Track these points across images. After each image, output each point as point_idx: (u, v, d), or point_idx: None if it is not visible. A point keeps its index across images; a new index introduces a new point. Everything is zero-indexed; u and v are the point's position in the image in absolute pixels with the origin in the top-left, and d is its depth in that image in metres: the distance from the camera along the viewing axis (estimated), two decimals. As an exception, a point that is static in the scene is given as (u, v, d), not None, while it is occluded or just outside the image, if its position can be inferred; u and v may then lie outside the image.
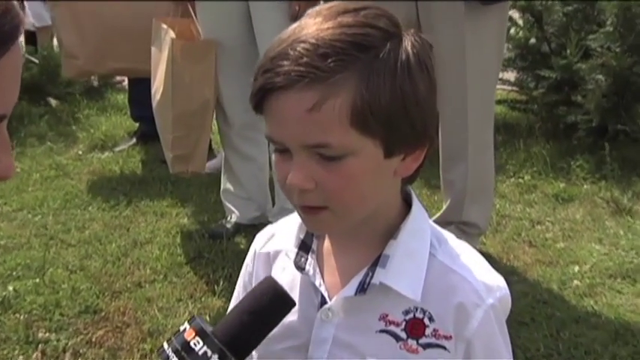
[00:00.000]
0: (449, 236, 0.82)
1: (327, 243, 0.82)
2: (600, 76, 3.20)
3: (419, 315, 0.77)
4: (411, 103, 0.71)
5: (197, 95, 2.47)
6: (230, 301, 2.37)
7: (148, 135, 3.54)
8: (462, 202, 2.33)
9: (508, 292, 0.80)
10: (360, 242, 0.79)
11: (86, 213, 2.85)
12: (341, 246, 0.81)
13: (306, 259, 0.81)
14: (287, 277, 0.82)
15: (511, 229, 2.68)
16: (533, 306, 2.13)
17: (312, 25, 0.71)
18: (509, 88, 3.73)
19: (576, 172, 3.10)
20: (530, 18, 3.57)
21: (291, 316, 0.80)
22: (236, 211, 2.66)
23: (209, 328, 0.70)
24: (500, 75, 3.49)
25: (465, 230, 2.33)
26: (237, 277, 2.71)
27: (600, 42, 3.23)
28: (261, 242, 0.89)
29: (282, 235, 0.85)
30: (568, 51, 3.33)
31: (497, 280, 0.79)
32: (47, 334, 2.08)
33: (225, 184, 2.71)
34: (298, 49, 0.69)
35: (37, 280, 2.33)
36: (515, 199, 2.93)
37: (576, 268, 2.37)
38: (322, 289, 0.80)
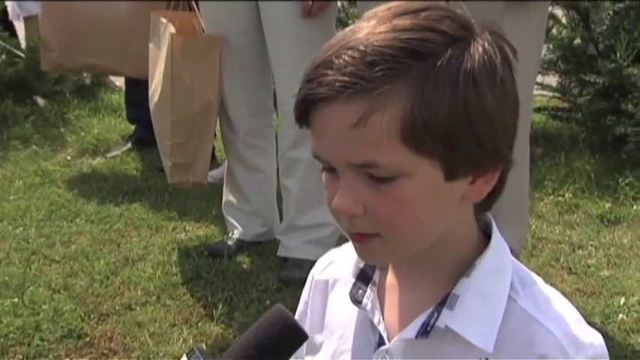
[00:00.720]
0: (537, 279, 0.78)
1: (391, 276, 0.80)
2: (654, 83, 3.18)
3: None
4: (477, 117, 0.69)
5: (199, 97, 2.49)
6: (230, 327, 2.35)
7: (144, 140, 3.58)
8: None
9: (605, 352, 0.76)
10: (427, 277, 0.77)
11: (73, 225, 2.88)
12: (406, 280, 0.79)
13: (364, 292, 0.79)
14: (344, 309, 0.81)
15: (548, 254, 2.66)
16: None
17: (364, 29, 0.70)
18: (550, 94, 3.72)
19: (625, 191, 3.08)
20: (575, 16, 3.57)
21: (345, 356, 0.80)
22: (239, 227, 2.68)
23: None
24: (541, 79, 3.49)
25: (497, 254, 2.32)
26: (239, 300, 2.70)
27: (654, 44, 3.21)
28: (320, 268, 0.88)
29: (341, 261, 0.83)
30: (617, 53, 3.31)
31: (592, 337, 0.75)
32: (25, 361, 2.10)
33: (228, 197, 2.72)
34: (344, 56, 0.68)
35: (16, 299, 2.35)
36: (554, 220, 2.91)
37: (622, 300, 2.34)
38: (381, 327, 0.78)
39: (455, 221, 0.75)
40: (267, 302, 2.33)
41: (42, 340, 2.18)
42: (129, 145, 3.63)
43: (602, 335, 2.30)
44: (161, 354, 2.12)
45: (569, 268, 2.57)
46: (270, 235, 2.70)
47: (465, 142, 0.69)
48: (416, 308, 0.76)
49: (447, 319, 0.74)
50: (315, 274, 0.88)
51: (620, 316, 2.27)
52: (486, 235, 0.78)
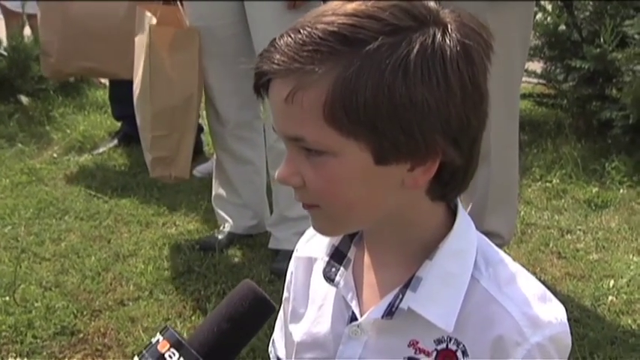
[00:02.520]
0: (504, 257, 0.81)
1: (367, 254, 0.84)
2: (638, 67, 3.21)
3: (452, 346, 0.77)
4: (403, 107, 0.70)
5: (179, 89, 2.48)
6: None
7: (131, 136, 3.58)
8: (483, 209, 2.34)
9: (566, 329, 0.78)
10: (397, 258, 0.81)
11: (62, 223, 2.87)
12: (379, 259, 0.83)
13: (338, 270, 0.84)
14: (323, 285, 0.85)
15: (538, 239, 2.69)
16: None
17: (318, 12, 0.74)
18: (536, 80, 3.75)
19: (611, 175, 3.12)
20: (559, 2, 3.59)
21: (321, 327, 0.85)
22: (230, 220, 2.68)
23: (184, 339, 0.72)
24: (526, 66, 3.51)
25: (487, 241, 2.34)
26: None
27: (638, 28, 3.24)
28: (303, 241, 0.93)
29: (321, 239, 0.87)
30: (602, 39, 3.34)
31: (552, 314, 0.77)
32: (18, 359, 2.10)
33: (218, 190, 2.73)
34: (285, 37, 0.73)
35: (7, 298, 2.35)
36: (543, 206, 2.94)
37: (611, 283, 2.38)
38: (353, 304, 0.82)
39: (403, 205, 0.77)
40: (260, 294, 2.34)
41: (35, 337, 2.18)
42: (115, 141, 3.62)
43: (593, 317, 2.32)
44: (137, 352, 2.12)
45: (559, 253, 2.60)
46: (261, 228, 2.71)
47: (390, 129, 0.71)
48: (387, 287, 0.81)
49: (409, 301, 0.77)
50: (299, 248, 0.93)
51: (610, 298, 2.30)
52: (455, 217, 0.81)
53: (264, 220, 2.70)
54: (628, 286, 2.37)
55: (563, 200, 2.98)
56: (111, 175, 3.32)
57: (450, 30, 0.72)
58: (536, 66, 3.70)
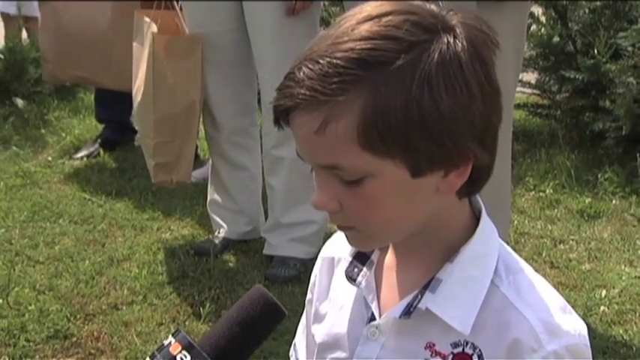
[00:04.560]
0: (524, 267, 0.81)
1: (390, 256, 0.85)
2: (631, 79, 3.24)
3: (468, 350, 0.78)
4: (433, 119, 0.71)
5: (181, 96, 2.50)
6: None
7: (113, 141, 3.59)
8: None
9: (586, 342, 0.78)
10: (420, 260, 0.82)
11: (56, 226, 2.87)
12: (402, 261, 0.84)
13: (360, 270, 0.85)
14: (346, 284, 0.86)
15: (530, 249, 2.70)
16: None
17: (329, 38, 0.73)
18: (530, 91, 3.77)
19: (604, 186, 3.14)
20: (553, 14, 3.62)
21: (341, 328, 0.85)
22: (224, 226, 2.69)
23: (196, 341, 0.73)
24: (521, 76, 3.54)
25: (480, 249, 2.35)
26: (225, 298, 2.72)
27: (632, 41, 3.27)
28: (329, 244, 0.94)
29: (344, 239, 0.87)
30: (596, 50, 3.37)
31: (571, 325, 0.77)
32: (11, 362, 2.10)
33: (213, 195, 2.73)
34: (304, 69, 0.72)
35: (0, 301, 2.34)
36: (536, 215, 2.96)
37: (603, 293, 2.39)
38: (373, 305, 0.83)
39: (436, 209, 0.79)
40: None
41: (28, 341, 2.18)
42: (97, 145, 3.60)
43: (585, 327, 2.30)
44: (149, 353, 2.12)
45: (552, 262, 2.61)
46: (255, 234, 2.71)
47: (423, 144, 0.72)
48: (407, 289, 0.82)
49: (428, 301, 0.78)
50: (325, 247, 0.94)
51: (602, 308, 2.32)
52: (479, 221, 0.81)
53: (259, 226, 2.71)
54: (620, 296, 2.38)
55: (556, 210, 3.00)
56: (106, 179, 3.32)
57: (458, 33, 0.74)
58: (531, 77, 3.72)
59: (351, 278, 0.85)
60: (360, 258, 0.85)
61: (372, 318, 0.83)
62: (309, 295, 0.94)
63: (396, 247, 0.84)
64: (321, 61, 0.72)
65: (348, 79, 0.71)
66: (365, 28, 0.72)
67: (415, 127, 0.71)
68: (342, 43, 0.72)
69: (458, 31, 0.74)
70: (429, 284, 0.79)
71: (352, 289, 0.86)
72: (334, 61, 0.71)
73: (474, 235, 0.80)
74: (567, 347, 0.76)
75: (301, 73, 0.72)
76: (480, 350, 0.78)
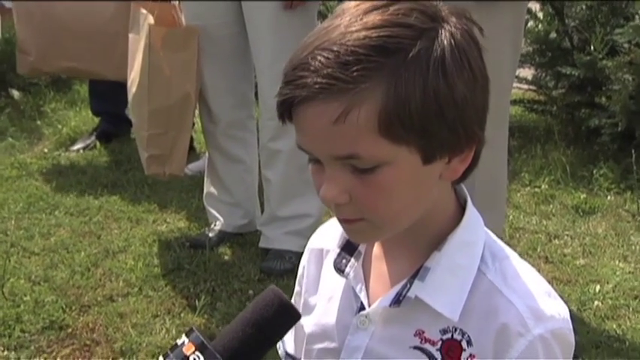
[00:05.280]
0: (510, 254, 0.83)
1: (377, 246, 0.86)
2: (627, 76, 3.24)
3: (457, 336, 0.79)
4: (448, 105, 0.73)
5: (176, 88, 2.49)
6: (212, 317, 2.37)
7: (109, 133, 3.58)
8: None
9: (569, 325, 0.80)
10: (408, 249, 0.82)
11: (52, 218, 2.87)
12: (390, 251, 0.84)
13: (348, 261, 0.85)
14: (334, 275, 0.87)
15: (525, 244, 2.71)
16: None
17: (337, 29, 0.73)
18: (526, 87, 3.77)
19: (599, 182, 3.14)
20: (550, 10, 3.62)
21: (330, 318, 0.86)
22: (220, 218, 2.69)
23: (209, 342, 0.73)
24: (517, 72, 3.54)
25: (475, 243, 2.36)
26: (221, 291, 2.71)
27: (628, 37, 3.27)
28: (317, 235, 0.94)
29: (334, 231, 0.88)
30: (592, 47, 3.37)
31: (555, 310, 0.79)
32: (6, 353, 2.09)
33: (209, 188, 2.73)
34: (319, 58, 0.71)
35: (-4, 291, 2.35)
36: (531, 211, 2.97)
37: (597, 288, 2.40)
38: (362, 295, 0.84)
39: (434, 198, 0.80)
40: (250, 293, 2.35)
41: (23, 331, 2.18)
42: (93, 138, 3.59)
43: (579, 322, 2.35)
44: (144, 344, 2.13)
45: (546, 257, 2.62)
46: (251, 227, 2.71)
47: (438, 130, 0.73)
48: (396, 278, 0.82)
49: (417, 289, 0.79)
50: (313, 239, 0.94)
51: (596, 303, 2.33)
52: (464, 210, 0.83)
53: (255, 219, 2.71)
54: (613, 291, 2.39)
55: (551, 205, 3.01)
56: (101, 171, 3.31)
57: (455, 22, 0.75)
58: (527, 72, 3.72)
59: (340, 269, 0.85)
60: (348, 249, 0.86)
61: (362, 308, 0.84)
62: (297, 288, 0.95)
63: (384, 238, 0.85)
64: (336, 49, 0.71)
65: (370, 66, 0.71)
66: (376, 17, 0.72)
67: (432, 113, 0.72)
68: (356, 31, 0.72)
69: (454, 20, 0.75)
70: (417, 273, 0.80)
71: (341, 281, 0.86)
72: (352, 48, 0.71)
73: (460, 223, 0.81)
74: (552, 331, 0.78)
75: (317, 62, 0.71)
76: (468, 336, 0.79)
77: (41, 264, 2.54)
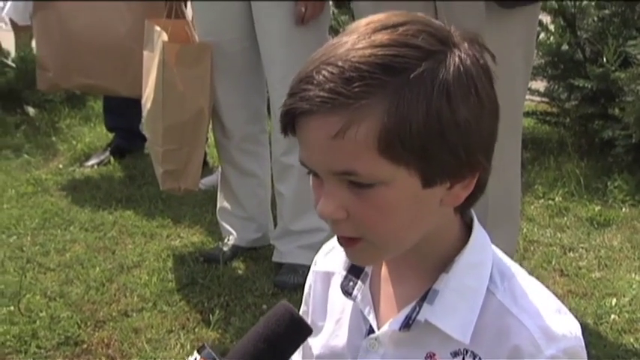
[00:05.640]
0: (518, 272, 0.82)
1: (384, 268, 0.85)
2: (641, 87, 3.23)
3: (468, 359, 0.78)
4: (450, 129, 0.72)
5: (190, 104, 2.51)
6: (227, 332, 2.36)
7: (123, 148, 3.60)
8: (483, 226, 2.34)
9: (581, 343, 0.79)
10: (416, 270, 0.82)
11: (67, 233, 2.88)
12: (397, 272, 0.84)
13: (355, 284, 0.85)
14: (341, 298, 0.86)
15: (540, 257, 2.69)
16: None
17: (345, 45, 0.73)
18: (539, 99, 3.76)
19: (614, 194, 3.12)
20: (562, 22, 3.62)
21: (339, 340, 0.86)
22: (234, 233, 2.69)
23: (221, 358, 0.74)
24: (530, 84, 3.54)
25: (489, 257, 2.35)
26: (235, 305, 2.71)
27: (641, 49, 3.26)
28: (321, 255, 0.94)
29: (339, 252, 0.87)
30: (605, 58, 3.36)
31: (567, 328, 0.78)
32: (22, 368, 2.10)
33: (222, 203, 2.74)
34: (324, 72, 0.72)
35: (12, 307, 2.35)
36: (545, 223, 2.95)
37: (614, 301, 2.38)
38: (371, 317, 0.84)
39: (436, 223, 0.79)
40: (264, 307, 2.34)
41: (39, 347, 2.18)
42: (107, 153, 3.61)
43: (595, 336, 2.32)
44: (158, 359, 2.13)
45: (561, 270, 2.60)
46: (265, 241, 2.72)
47: (439, 153, 0.73)
48: (404, 300, 0.82)
49: (427, 313, 0.79)
50: (318, 260, 0.94)
51: (612, 316, 2.30)
52: (470, 231, 0.82)
53: (268, 234, 2.71)
54: (630, 304, 2.37)
55: (565, 218, 2.99)
56: (116, 186, 3.33)
57: (467, 48, 0.75)
58: (540, 85, 3.72)
59: (347, 292, 0.85)
60: (355, 271, 0.85)
61: (371, 330, 0.83)
62: (303, 307, 0.94)
63: (390, 260, 0.84)
64: (341, 64, 0.71)
65: (373, 83, 0.71)
66: (384, 36, 0.73)
67: (434, 136, 0.72)
68: (362, 49, 0.72)
69: (466, 46, 0.75)
70: (426, 296, 0.79)
71: (349, 303, 0.86)
72: (356, 65, 0.71)
73: (467, 245, 0.80)
74: (565, 350, 0.78)
75: (320, 76, 0.71)
76: (480, 358, 0.78)
77: (56, 280, 2.55)
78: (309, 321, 0.91)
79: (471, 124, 0.73)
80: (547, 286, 2.63)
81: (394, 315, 0.81)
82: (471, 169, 0.76)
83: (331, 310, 0.89)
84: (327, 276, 0.91)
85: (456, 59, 0.73)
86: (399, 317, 0.80)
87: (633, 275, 2.56)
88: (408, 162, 0.73)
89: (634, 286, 2.47)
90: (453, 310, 0.78)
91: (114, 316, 2.34)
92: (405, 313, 0.80)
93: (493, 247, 0.83)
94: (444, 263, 0.80)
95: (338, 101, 0.71)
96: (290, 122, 0.75)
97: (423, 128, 0.71)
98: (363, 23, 0.75)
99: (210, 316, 2.30)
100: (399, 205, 0.74)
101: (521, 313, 0.78)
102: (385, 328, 0.82)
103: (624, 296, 2.41)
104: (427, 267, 0.81)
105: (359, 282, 0.85)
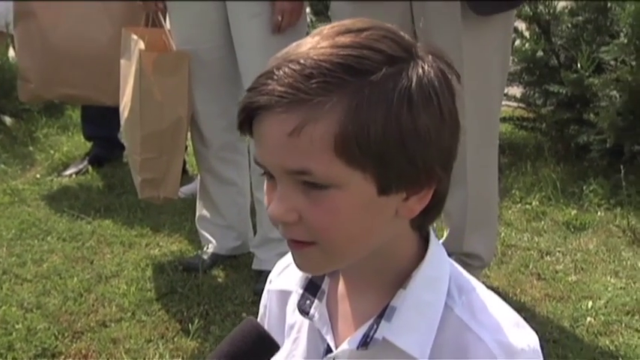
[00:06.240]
0: (477, 286, 0.81)
1: (341, 284, 0.83)
2: (614, 92, 3.26)
3: None
4: (410, 136, 0.71)
5: (169, 113, 2.50)
6: (206, 341, 2.35)
7: (101, 157, 3.57)
8: (462, 231, 2.36)
9: (539, 355, 0.79)
10: (372, 287, 0.80)
11: (44, 244, 2.85)
12: (354, 289, 0.82)
13: (312, 302, 0.83)
14: (297, 318, 0.84)
15: (517, 261, 2.71)
16: (542, 346, 2.13)
17: (308, 44, 0.73)
18: (515, 104, 3.79)
19: (589, 198, 3.15)
20: (536, 29, 3.65)
21: (296, 358, 0.83)
22: (213, 241, 2.68)
23: None
24: (506, 90, 3.57)
25: (467, 262, 2.36)
26: (215, 314, 2.70)
27: (614, 55, 3.30)
28: (275, 273, 0.92)
29: (294, 271, 0.84)
30: (579, 64, 3.40)
31: (525, 342, 0.78)
32: (-1, 381, 2.07)
33: (202, 211, 2.72)
34: (284, 68, 0.71)
35: (-12, 319, 2.32)
36: (522, 228, 2.97)
37: (590, 304, 2.40)
38: (328, 337, 0.81)
39: (391, 235, 0.77)
40: (244, 315, 2.33)
41: (15, 359, 2.16)
42: (85, 162, 3.58)
43: (572, 338, 2.34)
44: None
45: (538, 274, 2.62)
46: (244, 249, 2.71)
47: (396, 160, 0.71)
48: (362, 318, 0.80)
49: (384, 331, 0.77)
50: (273, 278, 0.92)
51: (588, 319, 2.32)
52: (427, 244, 0.80)
53: (248, 241, 2.70)
54: (606, 307, 2.39)
55: (542, 222, 3.01)
56: (94, 195, 3.30)
57: (431, 61, 0.74)
58: (516, 91, 3.75)
59: (304, 311, 0.83)
60: (311, 289, 0.83)
61: (328, 350, 0.81)
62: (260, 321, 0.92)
63: (347, 276, 0.83)
64: (302, 61, 0.70)
65: (332, 81, 0.70)
66: (347, 38, 0.72)
67: (392, 141, 0.71)
68: (324, 47, 0.71)
69: (430, 59, 0.74)
70: (383, 312, 0.77)
71: (305, 322, 0.84)
72: (317, 62, 0.70)
73: (424, 259, 0.78)
74: None
75: (281, 72, 0.70)
76: None
77: (33, 291, 2.52)
78: None
79: (430, 135, 0.72)
80: (525, 290, 2.65)
81: (352, 333, 0.79)
82: (428, 180, 0.74)
83: (288, 329, 0.87)
84: (283, 295, 0.89)
85: (419, 69, 0.72)
86: (356, 336, 0.78)
87: (609, 278, 2.58)
88: (364, 166, 0.71)
89: (609, 289, 2.50)
90: (411, 327, 0.76)
91: (92, 326, 2.31)
92: (362, 332, 0.78)
93: (451, 260, 0.82)
94: (402, 279, 0.78)
95: (296, 97, 0.69)
96: (247, 118, 0.73)
97: (382, 133, 0.70)
98: (327, 27, 0.75)
99: (190, 325, 2.28)
100: (353, 210, 0.72)
101: (480, 328, 0.77)
102: (343, 347, 0.79)
103: (600, 299, 2.43)
104: (384, 283, 0.79)
105: (316, 300, 0.83)
